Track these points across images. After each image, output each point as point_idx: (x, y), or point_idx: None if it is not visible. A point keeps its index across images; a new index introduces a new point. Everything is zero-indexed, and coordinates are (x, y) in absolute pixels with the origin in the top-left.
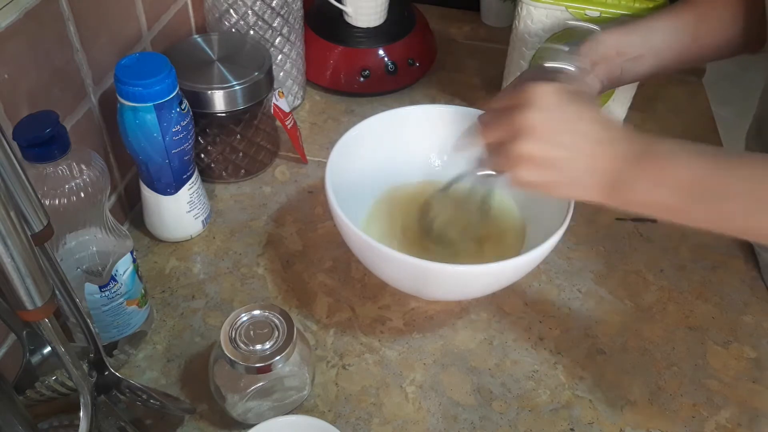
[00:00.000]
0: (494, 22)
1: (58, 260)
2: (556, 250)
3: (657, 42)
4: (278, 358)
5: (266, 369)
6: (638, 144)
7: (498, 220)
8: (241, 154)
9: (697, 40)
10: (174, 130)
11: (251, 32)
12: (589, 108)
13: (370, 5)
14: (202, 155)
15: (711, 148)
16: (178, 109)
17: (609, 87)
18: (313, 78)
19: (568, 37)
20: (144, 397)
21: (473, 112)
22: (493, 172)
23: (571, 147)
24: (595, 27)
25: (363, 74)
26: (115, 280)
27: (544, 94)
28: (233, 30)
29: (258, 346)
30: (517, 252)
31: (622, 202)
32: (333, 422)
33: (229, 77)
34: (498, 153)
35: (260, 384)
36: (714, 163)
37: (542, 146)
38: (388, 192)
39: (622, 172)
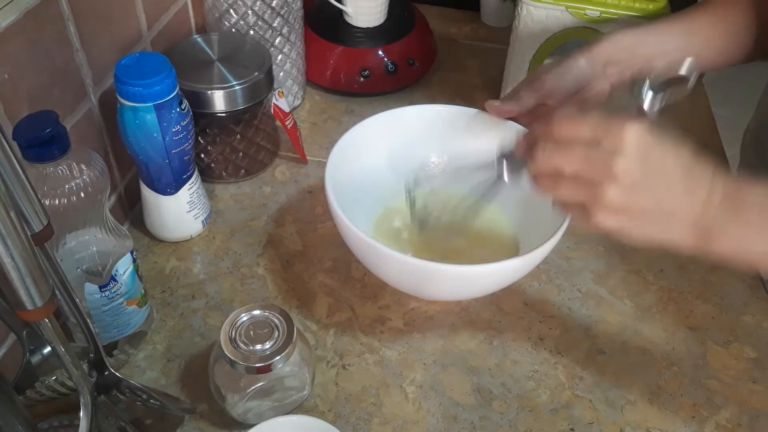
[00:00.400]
0: (494, 22)
1: (58, 260)
2: (556, 250)
3: (670, 46)
4: (278, 358)
5: (266, 369)
6: (732, 188)
7: (489, 222)
8: (241, 154)
9: (710, 46)
10: (174, 130)
11: (251, 32)
12: (674, 150)
13: (370, 5)
14: (202, 155)
15: None
16: (178, 109)
17: (618, 89)
18: (313, 78)
19: (568, 37)
20: (144, 397)
21: (473, 112)
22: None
23: (658, 197)
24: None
25: (363, 74)
26: (115, 280)
27: (638, 137)
28: (233, 30)
29: (258, 346)
30: (511, 253)
31: (711, 250)
32: (333, 422)
33: (229, 77)
34: (570, 190)
35: (260, 384)
36: None
37: (628, 197)
38: (388, 192)
39: (716, 218)
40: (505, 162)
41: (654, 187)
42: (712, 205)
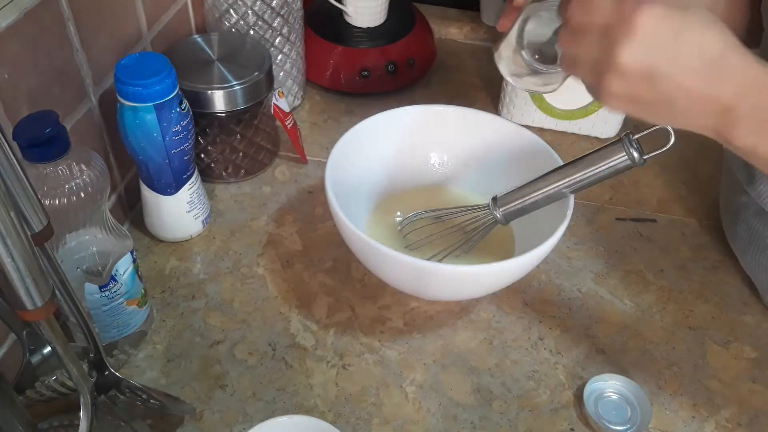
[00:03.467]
0: (494, 22)
1: (58, 260)
2: (556, 250)
3: None
4: None
5: None
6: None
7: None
8: (241, 154)
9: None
10: (174, 130)
11: (251, 32)
12: (698, 38)
13: (370, 5)
14: (202, 155)
15: None
16: (178, 109)
17: None
18: (313, 78)
19: None
20: (144, 397)
21: (473, 112)
22: None
23: (669, 89)
24: None
25: (363, 74)
26: (115, 280)
27: (650, 22)
28: (233, 30)
29: None
30: (510, 252)
31: (733, 144)
32: (333, 422)
33: (229, 77)
34: (583, 73)
35: None
36: None
37: (631, 87)
38: (388, 192)
39: (742, 118)
40: (498, 203)
41: (664, 79)
42: (741, 103)
